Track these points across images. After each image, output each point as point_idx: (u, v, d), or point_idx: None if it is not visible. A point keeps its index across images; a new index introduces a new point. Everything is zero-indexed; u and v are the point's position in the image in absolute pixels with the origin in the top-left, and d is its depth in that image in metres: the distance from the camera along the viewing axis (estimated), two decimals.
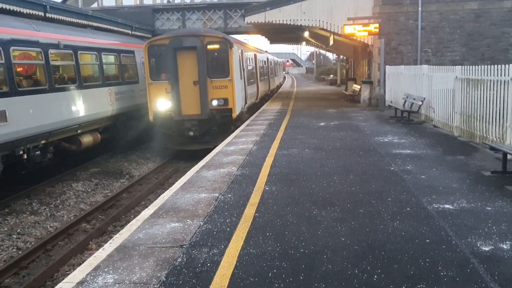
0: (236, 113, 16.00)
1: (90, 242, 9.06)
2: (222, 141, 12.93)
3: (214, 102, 15.68)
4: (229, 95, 15.73)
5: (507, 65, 9.57)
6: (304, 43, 49.11)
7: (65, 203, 11.61)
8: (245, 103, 18.40)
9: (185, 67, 15.52)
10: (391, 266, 4.51)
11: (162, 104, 15.79)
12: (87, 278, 4.50)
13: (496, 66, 10.09)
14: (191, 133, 15.63)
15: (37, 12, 15.77)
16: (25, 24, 12.19)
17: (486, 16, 20.20)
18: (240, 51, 17.88)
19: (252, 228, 5.71)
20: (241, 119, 17.39)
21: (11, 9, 14.29)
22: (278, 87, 44.15)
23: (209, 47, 15.65)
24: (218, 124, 15.93)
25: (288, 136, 12.93)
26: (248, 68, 20.60)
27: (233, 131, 14.89)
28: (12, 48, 11.17)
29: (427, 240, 5.12)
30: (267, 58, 32.32)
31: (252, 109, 21.63)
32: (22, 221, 10.23)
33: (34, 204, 11.37)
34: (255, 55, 24.00)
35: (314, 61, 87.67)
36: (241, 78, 17.44)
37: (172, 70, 15.42)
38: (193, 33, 16.25)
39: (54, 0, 18.19)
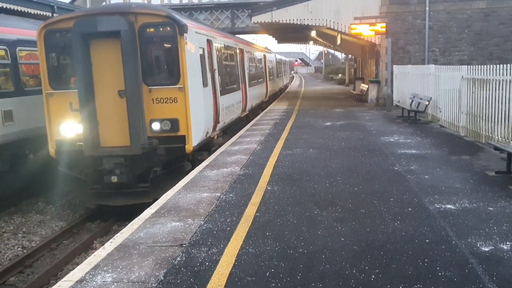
0: (192, 143, 9.92)
1: (95, 241, 9.12)
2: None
3: (155, 126, 9.74)
4: (180, 113, 9.73)
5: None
6: (311, 42, 49.14)
7: (71, 203, 11.68)
8: (217, 122, 12.35)
9: (104, 66, 9.58)
10: (389, 266, 4.50)
11: (67, 128, 9.86)
12: (86, 277, 4.55)
13: (501, 65, 10.00)
14: (114, 179, 9.58)
15: (44, 13, 15.90)
16: (31, 25, 12.30)
17: (494, 15, 20.05)
18: (205, 40, 11.73)
19: (252, 227, 5.72)
20: (207, 148, 11.60)
21: (19, 9, 14.45)
22: (282, 89, 40.52)
23: (145, 32, 9.62)
24: (163, 163, 9.92)
25: (293, 136, 12.92)
26: (227, 69, 14.81)
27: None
28: (18, 48, 11.31)
29: (427, 240, 5.10)
30: (264, 56, 25.46)
31: (236, 126, 15.84)
32: (28, 220, 10.35)
33: (40, 203, 11.48)
34: (241, 50, 17.54)
35: (322, 61, 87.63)
36: (205, 85, 11.10)
37: (83, 72, 9.34)
38: (116, 9, 9.85)
39: (62, 0, 18.29)
